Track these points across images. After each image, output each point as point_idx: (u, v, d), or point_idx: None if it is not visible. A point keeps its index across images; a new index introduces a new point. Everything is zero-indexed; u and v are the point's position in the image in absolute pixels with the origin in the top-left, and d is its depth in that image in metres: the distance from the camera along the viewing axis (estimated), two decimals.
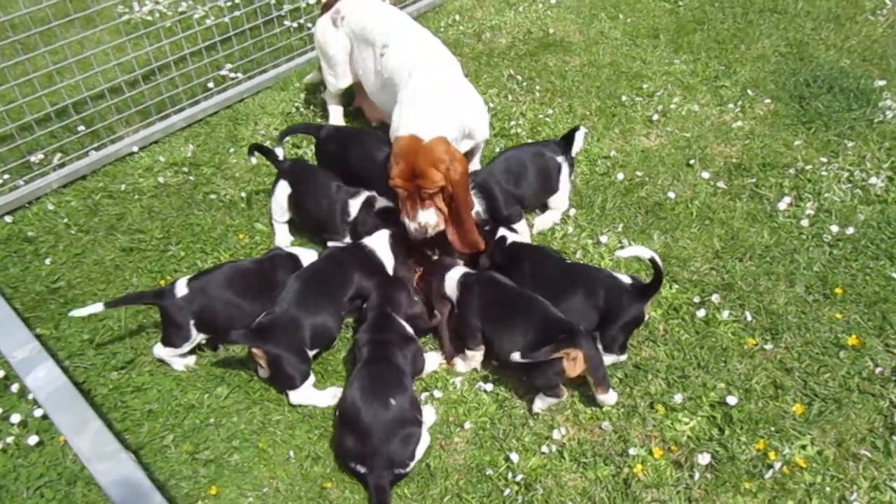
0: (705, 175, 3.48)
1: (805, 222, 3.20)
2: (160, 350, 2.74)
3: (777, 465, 2.33)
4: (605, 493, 2.32)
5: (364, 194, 3.10)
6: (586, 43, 4.54)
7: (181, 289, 2.68)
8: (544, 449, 2.44)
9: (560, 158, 3.22)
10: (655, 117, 3.87)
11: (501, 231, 2.98)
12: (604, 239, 3.18)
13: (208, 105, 4.10)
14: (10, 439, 2.55)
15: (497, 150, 3.62)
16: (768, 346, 2.72)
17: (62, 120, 3.76)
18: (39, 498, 2.40)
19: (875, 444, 2.40)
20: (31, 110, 3.61)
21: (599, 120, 3.89)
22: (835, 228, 3.15)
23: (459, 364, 2.72)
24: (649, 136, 3.79)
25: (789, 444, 2.40)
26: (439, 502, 2.34)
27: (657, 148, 3.70)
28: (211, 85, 4.20)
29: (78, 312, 2.59)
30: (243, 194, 3.55)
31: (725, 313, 2.82)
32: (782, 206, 3.29)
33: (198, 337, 2.73)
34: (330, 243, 3.17)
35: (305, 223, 3.29)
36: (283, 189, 3.23)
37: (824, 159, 3.53)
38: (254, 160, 3.37)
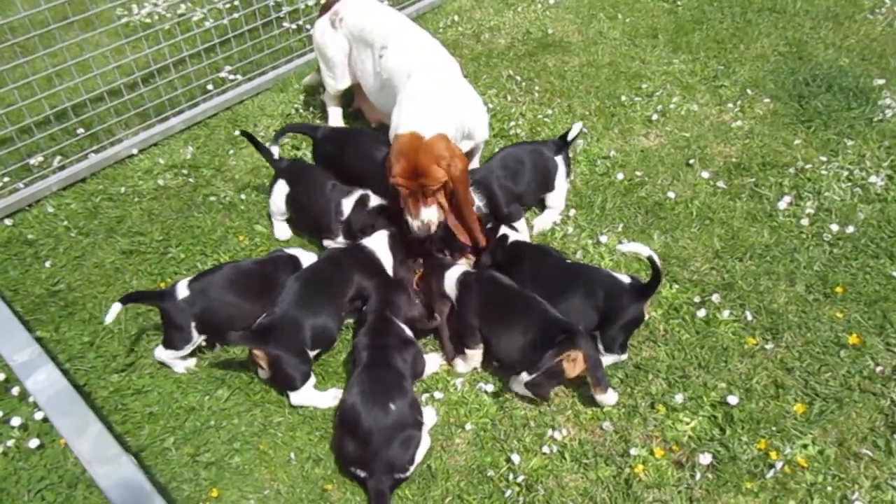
0: (705, 175, 3.48)
1: (805, 221, 3.20)
2: (161, 353, 2.74)
3: (778, 465, 2.33)
4: (607, 493, 2.32)
5: (357, 193, 3.11)
6: (585, 43, 4.54)
7: (182, 291, 2.68)
8: (545, 449, 2.43)
9: (557, 157, 3.23)
10: (655, 117, 3.87)
11: (503, 229, 2.99)
12: (604, 239, 3.18)
13: (207, 107, 4.10)
14: (10, 442, 2.55)
15: (496, 150, 3.62)
16: (769, 346, 2.72)
17: (61, 123, 3.76)
18: (40, 501, 2.40)
19: (876, 443, 2.40)
20: (31, 113, 3.61)
21: (599, 120, 3.89)
22: (835, 227, 3.15)
23: (460, 365, 2.72)
24: (649, 136, 3.79)
25: (790, 443, 2.40)
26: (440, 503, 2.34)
27: (657, 148, 3.70)
28: (210, 87, 4.20)
29: (109, 317, 2.58)
30: (243, 196, 3.55)
31: (726, 313, 2.82)
32: (782, 205, 3.29)
33: (199, 338, 2.73)
34: (326, 243, 3.17)
35: (303, 223, 3.30)
36: (281, 189, 3.23)
37: (824, 158, 3.53)
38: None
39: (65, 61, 3.62)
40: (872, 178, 3.37)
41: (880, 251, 3.04)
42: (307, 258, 2.98)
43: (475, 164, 3.43)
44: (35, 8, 3.38)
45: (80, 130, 3.84)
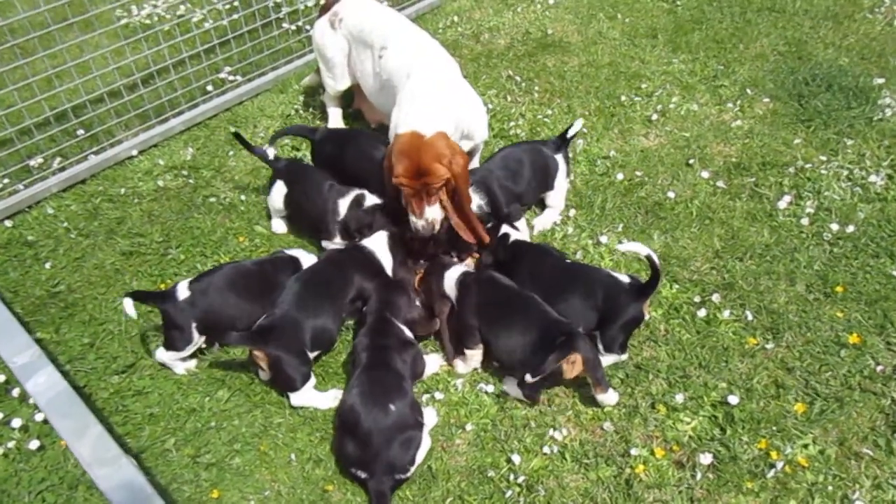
0: (705, 174, 3.48)
1: (805, 221, 3.19)
2: (162, 354, 2.74)
3: (779, 465, 2.33)
4: (607, 493, 2.32)
5: (353, 193, 3.10)
6: (585, 43, 4.54)
7: (183, 292, 2.68)
8: (546, 450, 2.43)
9: (557, 156, 3.23)
10: (654, 117, 3.87)
11: (504, 228, 3.00)
12: (604, 239, 3.18)
13: (207, 108, 4.10)
14: (11, 444, 2.55)
15: (496, 150, 3.62)
16: (769, 346, 2.72)
17: (61, 124, 3.75)
18: (41, 503, 2.40)
19: (877, 442, 2.40)
20: (31, 114, 3.61)
21: (598, 120, 3.89)
22: (835, 227, 3.15)
23: (460, 365, 2.72)
24: (648, 136, 3.79)
25: (791, 443, 2.40)
26: None
27: (656, 148, 3.70)
28: (210, 88, 4.20)
29: (130, 311, 2.58)
30: (243, 197, 3.55)
31: (726, 313, 2.82)
32: (782, 204, 3.29)
33: (199, 339, 2.73)
34: (324, 244, 3.17)
35: (301, 223, 3.30)
36: (280, 189, 3.23)
37: (824, 158, 3.53)
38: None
39: (64, 63, 3.62)
40: (872, 178, 3.37)
41: (880, 250, 3.04)
42: (307, 259, 2.98)
43: (475, 164, 3.43)
44: (35, 9, 3.38)
45: (80, 132, 3.84)
